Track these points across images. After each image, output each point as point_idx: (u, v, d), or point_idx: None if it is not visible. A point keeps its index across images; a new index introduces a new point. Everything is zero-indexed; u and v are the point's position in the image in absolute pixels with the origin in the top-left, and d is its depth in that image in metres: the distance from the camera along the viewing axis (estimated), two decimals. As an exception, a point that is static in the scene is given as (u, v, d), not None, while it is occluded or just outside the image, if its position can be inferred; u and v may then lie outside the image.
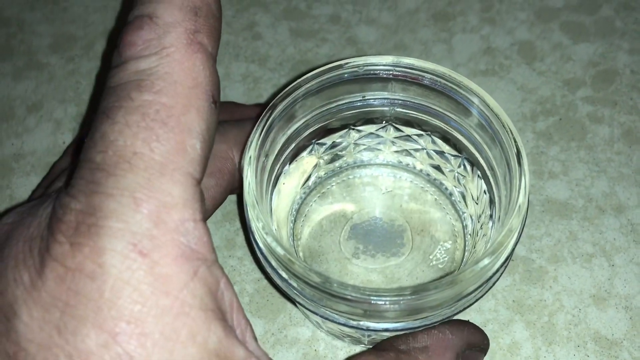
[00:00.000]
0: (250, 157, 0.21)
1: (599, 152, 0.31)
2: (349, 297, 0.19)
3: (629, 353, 0.26)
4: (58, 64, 0.35)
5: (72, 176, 0.16)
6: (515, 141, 0.22)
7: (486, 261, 0.19)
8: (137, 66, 0.16)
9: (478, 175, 0.25)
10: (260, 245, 0.21)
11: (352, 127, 0.27)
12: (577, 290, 0.27)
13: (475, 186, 0.25)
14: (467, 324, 0.22)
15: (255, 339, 0.17)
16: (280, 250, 0.20)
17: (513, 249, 0.20)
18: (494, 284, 0.21)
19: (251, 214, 0.21)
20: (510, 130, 0.22)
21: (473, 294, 0.21)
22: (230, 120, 0.26)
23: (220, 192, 0.24)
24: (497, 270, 0.20)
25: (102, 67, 0.34)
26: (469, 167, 0.26)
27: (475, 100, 0.23)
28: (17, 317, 0.15)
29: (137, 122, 0.16)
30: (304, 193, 0.28)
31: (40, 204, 0.18)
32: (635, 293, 0.27)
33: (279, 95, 0.23)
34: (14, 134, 0.32)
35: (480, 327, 0.23)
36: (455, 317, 0.22)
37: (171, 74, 0.16)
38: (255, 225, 0.20)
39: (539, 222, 0.29)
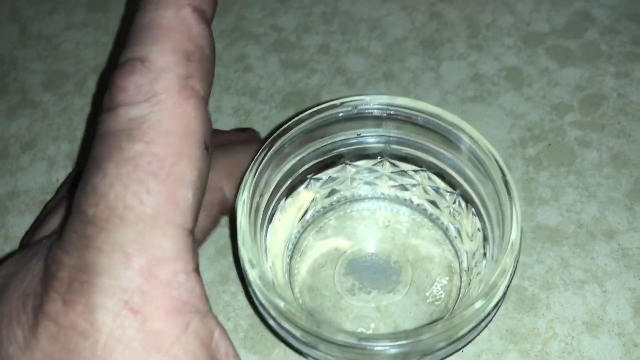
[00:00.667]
0: (244, 200, 0.22)
1: (588, 177, 0.31)
2: (341, 343, 0.19)
3: (624, 380, 0.26)
4: (51, 101, 0.35)
5: (65, 227, 0.16)
6: (504, 177, 0.22)
7: (479, 304, 0.19)
8: (129, 114, 0.16)
9: (472, 213, 0.25)
10: (254, 288, 0.21)
11: (348, 163, 0.27)
12: (570, 318, 0.27)
13: (470, 223, 0.26)
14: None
15: None
16: (268, 294, 0.20)
17: (506, 289, 0.21)
18: (487, 324, 0.22)
19: (244, 256, 0.21)
20: (500, 167, 0.22)
21: (467, 336, 0.21)
22: (217, 146, 0.26)
23: (211, 223, 0.24)
24: (490, 312, 0.20)
25: (92, 107, 0.35)
26: (463, 204, 0.26)
27: (465, 137, 0.23)
28: None
29: (128, 175, 0.16)
30: (302, 227, 0.28)
31: (33, 255, 0.18)
32: (628, 319, 0.27)
33: (274, 135, 0.23)
34: (8, 173, 0.33)
35: None
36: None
37: (163, 122, 0.16)
38: (249, 267, 0.21)
39: (531, 249, 0.29)
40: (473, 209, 0.25)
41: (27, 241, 0.26)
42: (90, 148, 0.17)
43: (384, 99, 0.24)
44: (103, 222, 0.15)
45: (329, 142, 0.25)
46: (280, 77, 0.35)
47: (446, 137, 0.23)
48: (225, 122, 0.34)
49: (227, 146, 0.26)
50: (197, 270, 0.17)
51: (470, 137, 0.23)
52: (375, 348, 0.19)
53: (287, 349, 0.27)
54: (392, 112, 0.24)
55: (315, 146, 0.25)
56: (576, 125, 0.33)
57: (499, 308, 0.21)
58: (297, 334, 0.20)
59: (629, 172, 0.31)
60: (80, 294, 0.15)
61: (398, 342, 0.19)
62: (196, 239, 0.23)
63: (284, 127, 0.23)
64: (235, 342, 0.27)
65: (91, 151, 0.17)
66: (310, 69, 0.36)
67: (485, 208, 0.23)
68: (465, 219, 0.26)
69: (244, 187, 0.22)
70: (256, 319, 0.28)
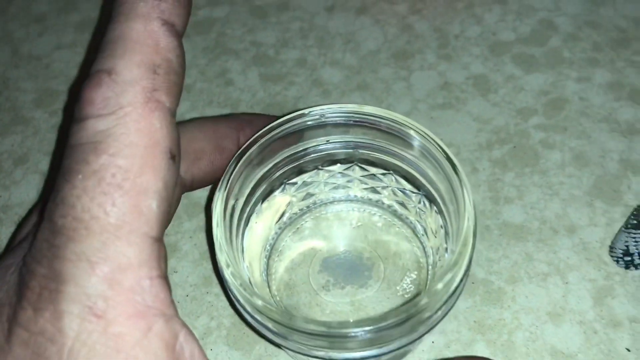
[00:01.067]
0: (218, 205, 0.23)
1: (551, 176, 0.33)
2: (311, 331, 0.21)
3: (585, 365, 0.27)
4: (42, 118, 0.37)
5: (37, 236, 0.17)
6: (452, 164, 0.23)
7: (440, 286, 0.21)
8: (96, 127, 0.17)
9: (435, 211, 0.27)
10: (230, 286, 0.22)
11: (321, 168, 0.29)
12: (534, 308, 0.29)
13: (434, 221, 0.27)
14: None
15: None
16: (243, 292, 0.21)
17: (466, 271, 0.22)
18: (451, 307, 0.23)
19: (219, 258, 0.22)
20: (446, 153, 0.23)
21: (432, 319, 0.22)
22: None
23: (189, 181, 0.25)
24: (452, 294, 0.22)
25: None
26: (427, 203, 0.27)
27: (417, 136, 0.24)
28: None
29: (94, 187, 0.16)
30: (279, 229, 0.30)
31: (8, 267, 0.18)
32: (588, 308, 0.29)
33: (246, 144, 0.25)
34: (1, 187, 0.34)
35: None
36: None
37: (127, 134, 0.17)
38: (225, 267, 0.22)
39: (497, 245, 0.31)
40: (435, 208, 0.26)
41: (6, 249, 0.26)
42: (61, 158, 0.18)
43: (350, 107, 0.25)
44: (71, 232, 0.16)
45: (300, 149, 0.27)
46: (259, 89, 0.37)
47: (406, 140, 0.25)
48: (208, 134, 0.35)
49: (179, 125, 0.26)
50: (162, 276, 0.17)
51: (422, 135, 0.24)
52: (344, 334, 0.21)
53: (268, 345, 0.28)
54: (357, 119, 0.25)
55: (288, 152, 0.27)
56: (540, 127, 0.34)
57: (460, 291, 0.22)
58: (272, 326, 0.22)
59: (589, 170, 0.33)
60: (49, 302, 0.16)
61: (364, 328, 0.20)
62: (165, 253, 0.24)
63: (255, 135, 0.25)
64: (219, 340, 0.29)
65: (62, 162, 0.17)
66: (289, 82, 0.37)
67: (445, 205, 0.25)
68: (429, 217, 0.27)
69: (218, 192, 0.23)
70: (238, 318, 0.29)
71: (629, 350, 0.28)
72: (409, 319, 0.21)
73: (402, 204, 0.29)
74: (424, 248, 0.28)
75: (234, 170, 0.24)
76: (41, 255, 0.17)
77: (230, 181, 0.24)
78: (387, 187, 0.29)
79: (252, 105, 0.36)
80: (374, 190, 0.29)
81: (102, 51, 0.18)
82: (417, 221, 0.28)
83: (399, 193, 0.28)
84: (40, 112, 0.37)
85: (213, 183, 0.26)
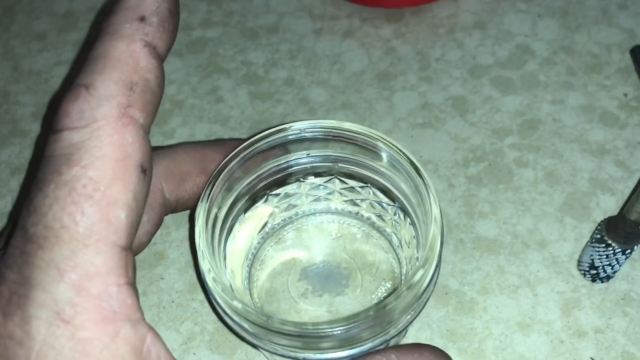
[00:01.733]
0: (200, 214, 0.25)
1: (524, 193, 0.34)
2: (286, 331, 0.22)
3: (551, 373, 0.29)
4: (39, 131, 0.38)
5: (10, 242, 0.18)
6: (416, 168, 0.25)
7: (406, 287, 0.22)
8: (70, 138, 0.17)
9: (409, 222, 0.28)
10: (212, 291, 0.23)
11: (302, 180, 0.30)
12: (504, 319, 0.30)
13: (408, 232, 0.29)
14: (419, 347, 0.22)
15: None
16: (223, 295, 0.23)
17: (434, 274, 0.23)
18: (420, 310, 0.24)
19: (202, 264, 0.24)
20: (412, 162, 0.25)
21: (401, 320, 0.24)
22: (161, 151, 0.27)
23: (154, 225, 0.26)
24: (420, 296, 0.23)
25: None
26: (402, 215, 0.29)
27: (388, 149, 0.26)
28: None
29: (65, 197, 0.17)
30: (262, 239, 0.31)
31: None
32: (556, 318, 0.30)
33: (229, 156, 0.26)
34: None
35: (442, 350, 0.22)
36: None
37: (100, 147, 0.17)
38: (207, 274, 0.23)
39: (470, 257, 0.32)
40: (409, 219, 0.28)
41: None
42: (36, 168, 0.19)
43: (329, 122, 0.27)
44: (41, 240, 0.17)
45: (282, 162, 0.28)
46: (249, 107, 0.39)
47: (379, 153, 0.27)
48: (197, 148, 0.37)
49: (167, 149, 0.27)
50: (129, 283, 0.18)
51: (392, 148, 0.26)
52: (316, 334, 0.22)
53: (249, 350, 0.30)
54: (335, 134, 0.27)
55: (270, 165, 0.28)
56: (514, 147, 0.36)
57: (429, 292, 0.24)
58: (250, 328, 0.23)
59: (561, 188, 0.34)
60: (18, 307, 0.17)
61: (335, 328, 0.22)
62: (143, 240, 0.24)
63: (237, 149, 0.26)
64: (202, 345, 0.30)
65: (37, 172, 0.18)
66: (277, 100, 0.39)
67: (417, 216, 0.27)
68: (404, 228, 0.29)
69: (201, 202, 0.25)
70: (221, 324, 0.30)
71: (592, 359, 0.29)
72: (377, 318, 0.22)
73: (379, 216, 0.30)
74: (398, 259, 0.30)
75: (216, 180, 0.25)
76: (12, 261, 0.17)
77: (212, 191, 0.25)
78: (365, 199, 0.30)
79: (241, 122, 0.38)
80: (353, 202, 0.31)
81: (84, 67, 0.19)
82: (393, 233, 0.30)
83: (377, 205, 0.30)
84: (38, 125, 0.39)
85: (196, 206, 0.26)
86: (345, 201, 0.31)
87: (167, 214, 0.27)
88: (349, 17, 0.43)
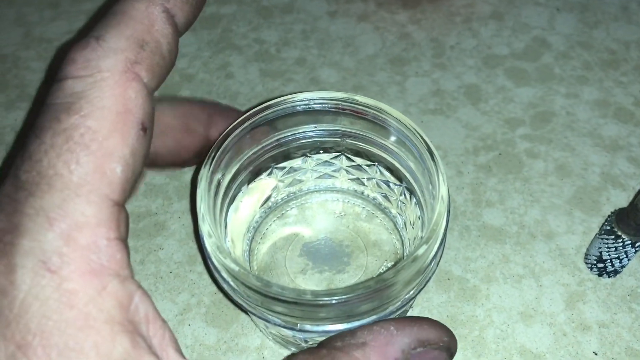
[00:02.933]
0: (203, 176, 0.24)
1: (533, 184, 0.34)
2: (284, 298, 0.21)
3: (552, 365, 0.28)
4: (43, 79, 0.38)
5: (0, 191, 0.17)
6: (428, 147, 0.24)
7: (406, 262, 0.22)
8: (72, 87, 0.17)
9: (415, 202, 0.28)
10: (210, 255, 0.23)
11: (308, 155, 0.30)
12: (507, 308, 0.30)
13: (413, 212, 0.28)
14: (419, 320, 0.21)
15: (178, 349, 0.18)
16: (222, 259, 0.22)
17: (436, 253, 0.23)
18: (420, 288, 0.24)
19: (202, 227, 0.23)
20: (426, 143, 0.24)
21: (403, 296, 0.23)
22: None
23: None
24: (421, 273, 0.23)
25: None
26: (408, 195, 0.28)
27: (401, 127, 0.25)
28: None
29: (61, 145, 0.16)
30: (264, 212, 0.30)
31: None
32: (559, 311, 0.29)
33: (235, 122, 0.26)
34: (2, 158, 0.35)
35: (442, 323, 0.21)
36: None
37: (101, 98, 0.17)
38: (206, 238, 0.23)
39: (475, 245, 0.31)
40: (415, 199, 0.27)
41: None
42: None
43: (339, 94, 0.26)
44: (33, 187, 0.16)
45: (289, 134, 0.28)
46: (258, 84, 0.38)
47: (390, 130, 0.26)
48: (205, 122, 0.37)
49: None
50: (119, 238, 0.18)
51: (405, 125, 0.25)
52: (314, 302, 0.21)
53: (244, 324, 0.29)
54: (345, 107, 0.26)
55: (277, 136, 0.28)
56: (526, 138, 0.36)
57: (430, 272, 0.23)
58: (248, 294, 0.23)
59: (571, 181, 0.34)
60: (3, 255, 0.16)
61: (334, 297, 0.21)
62: (126, 217, 0.24)
63: (244, 115, 0.26)
64: (197, 317, 0.29)
65: (36, 120, 0.18)
66: (287, 79, 0.39)
67: (424, 196, 0.26)
68: (409, 209, 0.28)
69: (205, 163, 0.24)
70: (218, 297, 0.30)
71: (596, 353, 0.28)
72: (377, 291, 0.21)
73: (384, 196, 0.30)
74: (402, 240, 0.29)
75: (221, 146, 0.25)
76: (0, 209, 0.17)
77: (217, 156, 0.24)
78: (372, 178, 0.30)
79: (250, 99, 0.38)
80: (358, 181, 0.30)
81: (100, 20, 0.19)
82: (398, 214, 0.29)
83: (383, 185, 0.29)
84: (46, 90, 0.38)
85: (177, 165, 0.26)
86: (351, 179, 0.30)
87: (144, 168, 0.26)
88: (364, 1, 0.42)
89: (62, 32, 0.41)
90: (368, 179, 0.30)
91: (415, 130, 0.25)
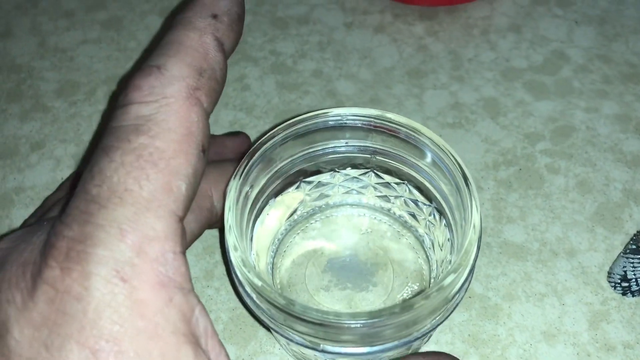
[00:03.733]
0: (233, 188, 0.24)
1: (554, 200, 0.33)
2: (308, 318, 0.21)
3: (576, 387, 0.27)
4: (62, 108, 0.38)
5: (69, 204, 0.18)
6: (463, 172, 0.24)
7: (435, 289, 0.21)
8: (139, 111, 0.19)
9: (444, 224, 0.27)
10: (235, 269, 0.23)
11: (337, 171, 0.29)
12: (529, 327, 0.29)
13: (442, 233, 0.28)
14: (441, 355, 0.23)
15: None
16: (248, 274, 0.22)
17: (466, 280, 0.22)
18: (446, 316, 0.23)
19: (228, 239, 0.23)
20: (458, 163, 0.24)
21: (429, 322, 0.23)
22: (213, 161, 0.29)
23: (199, 227, 0.26)
24: (449, 301, 0.22)
25: (108, 106, 0.38)
26: (437, 216, 0.28)
27: (435, 148, 0.25)
28: (9, 334, 0.17)
29: (132, 162, 0.18)
30: (289, 225, 0.30)
31: (34, 232, 0.19)
32: (583, 330, 0.29)
33: (267, 135, 0.26)
34: (16, 169, 0.35)
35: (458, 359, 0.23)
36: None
37: (167, 121, 0.18)
38: (232, 251, 0.23)
39: (496, 262, 0.31)
40: (445, 221, 0.27)
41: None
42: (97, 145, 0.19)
43: (371, 111, 0.26)
44: (104, 200, 0.17)
45: (319, 148, 0.27)
46: (275, 96, 0.38)
47: (422, 150, 0.26)
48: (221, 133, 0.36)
49: (219, 161, 0.28)
50: (183, 253, 0.18)
51: (438, 146, 0.25)
52: (339, 324, 0.21)
53: (263, 342, 0.29)
54: (378, 124, 0.26)
55: (307, 150, 0.27)
56: (546, 153, 0.35)
57: (458, 299, 0.23)
58: (270, 311, 0.22)
59: (592, 197, 0.33)
60: (77, 262, 0.17)
61: (359, 320, 0.21)
62: (185, 233, 0.25)
63: (276, 128, 0.25)
64: (215, 333, 0.29)
65: (101, 142, 0.19)
66: (304, 91, 0.38)
67: (454, 219, 0.25)
68: (438, 230, 0.28)
69: (235, 175, 0.24)
70: (236, 313, 0.30)
71: (621, 375, 0.28)
72: (402, 317, 0.21)
73: (412, 215, 0.29)
74: (429, 260, 0.29)
75: (251, 158, 0.24)
76: (71, 220, 0.18)
77: (246, 169, 0.24)
78: (400, 196, 0.29)
79: (266, 111, 0.37)
80: (386, 198, 0.30)
81: (157, 50, 0.20)
82: (426, 233, 0.29)
83: (411, 204, 0.29)
84: (61, 101, 0.38)
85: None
86: (378, 196, 0.30)
87: (211, 223, 0.27)
88: (381, 13, 0.42)
89: (77, 42, 0.41)
90: (396, 197, 0.29)
91: (450, 152, 0.24)
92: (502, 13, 0.42)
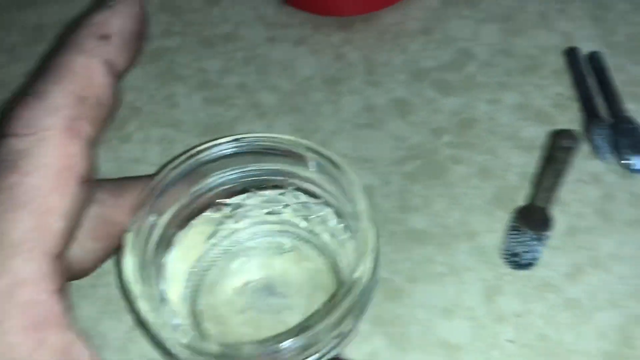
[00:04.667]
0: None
1: (456, 188, 0.36)
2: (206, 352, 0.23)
3: (471, 356, 0.30)
4: None
5: None
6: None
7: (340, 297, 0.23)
8: (16, 145, 0.18)
9: (349, 236, 0.29)
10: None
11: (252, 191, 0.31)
12: (430, 305, 0.32)
13: (352, 246, 0.29)
14: None
15: None
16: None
17: (371, 275, 0.24)
18: (361, 314, 0.25)
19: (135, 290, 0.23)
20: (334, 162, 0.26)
21: (345, 323, 0.24)
22: (129, 184, 0.27)
23: (106, 255, 0.26)
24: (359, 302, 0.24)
25: None
26: (335, 220, 0.30)
27: (313, 153, 0.27)
28: None
29: (3, 203, 0.18)
30: (206, 251, 0.32)
31: None
32: (479, 304, 0.32)
33: (163, 173, 0.27)
34: None
35: None
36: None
37: (44, 156, 0.18)
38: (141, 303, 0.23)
39: (401, 248, 0.34)
40: (349, 232, 0.29)
41: None
42: None
43: (234, 137, 0.26)
44: None
45: (201, 186, 0.28)
46: (201, 111, 0.41)
47: (299, 155, 0.27)
48: (152, 150, 0.39)
49: (137, 182, 0.27)
50: (58, 290, 0.18)
51: (316, 151, 0.27)
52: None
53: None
54: (254, 148, 0.28)
55: (194, 188, 0.29)
56: (450, 145, 0.38)
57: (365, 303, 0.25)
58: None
59: (492, 183, 0.36)
60: None
61: (290, 340, 0.22)
62: (92, 266, 0.24)
63: (173, 164, 0.27)
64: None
65: None
66: (229, 104, 0.41)
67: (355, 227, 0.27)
68: (347, 242, 0.30)
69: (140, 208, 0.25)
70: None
71: (511, 342, 0.30)
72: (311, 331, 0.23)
73: (330, 234, 0.31)
74: (339, 273, 0.31)
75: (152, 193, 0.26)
76: None
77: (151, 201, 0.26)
78: (318, 215, 0.31)
79: (193, 125, 0.40)
80: (304, 217, 0.32)
81: (41, 75, 0.20)
82: (335, 250, 0.31)
83: (330, 222, 0.31)
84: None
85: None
86: (297, 216, 0.32)
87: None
88: (301, 26, 0.45)
89: (17, 75, 0.44)
90: (311, 216, 0.31)
91: (311, 147, 0.26)
92: (413, 18, 0.45)
